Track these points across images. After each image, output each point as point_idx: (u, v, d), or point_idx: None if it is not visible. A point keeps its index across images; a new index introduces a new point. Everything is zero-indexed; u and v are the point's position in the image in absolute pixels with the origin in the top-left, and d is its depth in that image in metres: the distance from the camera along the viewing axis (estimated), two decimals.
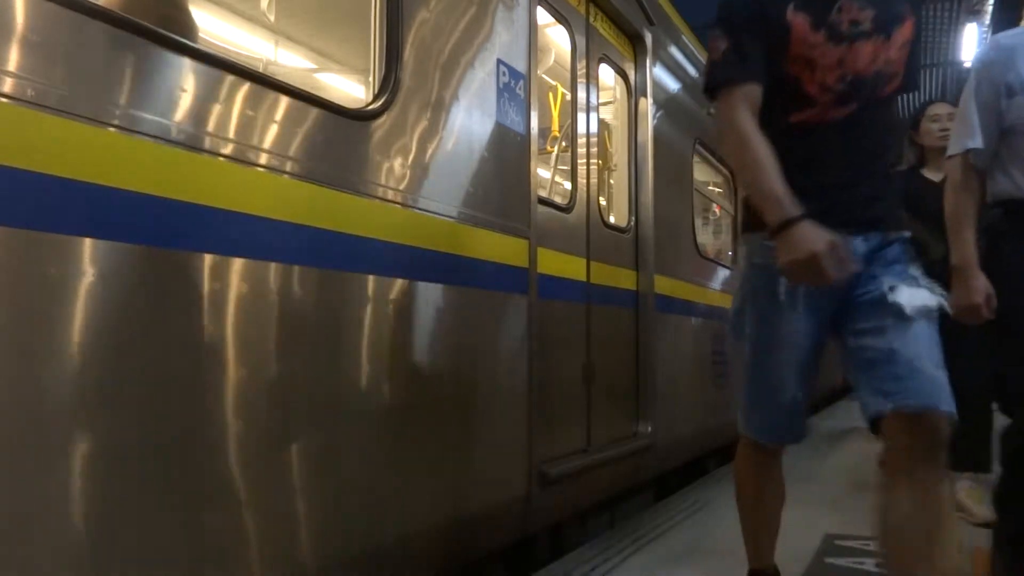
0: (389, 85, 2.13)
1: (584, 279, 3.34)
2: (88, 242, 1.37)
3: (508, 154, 2.70)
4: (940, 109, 3.69)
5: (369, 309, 2.05)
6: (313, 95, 1.92)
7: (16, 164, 1.27)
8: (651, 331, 3.89)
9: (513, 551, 2.88)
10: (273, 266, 1.76)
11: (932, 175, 3.58)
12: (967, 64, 12.16)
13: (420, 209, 2.23)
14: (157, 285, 1.51)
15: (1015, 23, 9.90)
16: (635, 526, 3.53)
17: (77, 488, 1.36)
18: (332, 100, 2.00)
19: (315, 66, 3.14)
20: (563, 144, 3.57)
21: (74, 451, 1.36)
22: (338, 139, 1.96)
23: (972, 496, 3.43)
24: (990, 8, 10.44)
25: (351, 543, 1.96)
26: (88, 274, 1.38)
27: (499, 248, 2.61)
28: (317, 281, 1.88)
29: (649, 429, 3.83)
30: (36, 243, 1.30)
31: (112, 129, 1.42)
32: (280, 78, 1.96)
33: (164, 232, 1.51)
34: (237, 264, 1.67)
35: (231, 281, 1.66)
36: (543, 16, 3.06)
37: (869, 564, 2.97)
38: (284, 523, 1.78)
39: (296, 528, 1.81)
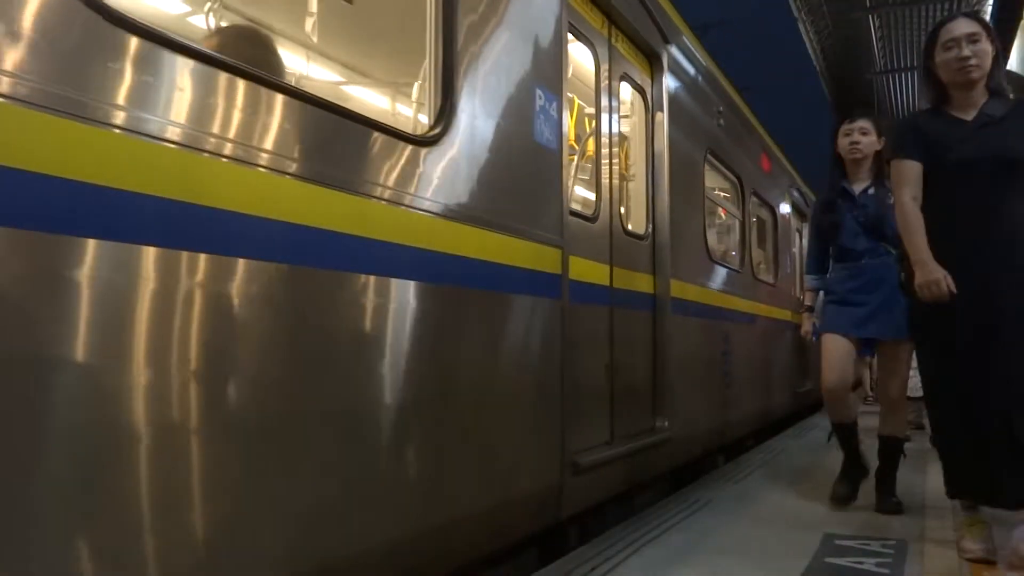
0: (444, 114, 2.47)
1: (607, 284, 3.69)
2: (241, 261, 1.72)
3: (543, 170, 3.05)
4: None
5: (432, 315, 2.39)
6: (389, 126, 2.27)
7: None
8: (667, 332, 4.26)
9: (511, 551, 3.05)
10: (360, 278, 2.10)
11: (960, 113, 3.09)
12: None
13: (470, 223, 2.56)
14: (296, 296, 1.87)
15: (1015, 23, 10.12)
16: (635, 526, 3.60)
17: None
18: (401, 128, 2.35)
19: (383, 97, 3.49)
20: (585, 155, 3.91)
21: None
22: (405, 162, 2.30)
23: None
24: (989, 8, 10.48)
25: (420, 521, 2.30)
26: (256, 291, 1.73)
27: (536, 257, 2.96)
28: (391, 290, 2.22)
29: (666, 424, 4.19)
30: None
31: (262, 169, 1.78)
32: (355, 108, 2.30)
33: (293, 252, 1.87)
34: (338, 278, 2.02)
35: (338, 293, 2.02)
36: (572, 42, 3.41)
37: (869, 564, 3.02)
38: (375, 501, 2.12)
39: (383, 506, 2.16)
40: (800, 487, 4.48)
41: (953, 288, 2.85)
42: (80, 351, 1.44)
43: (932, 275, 2.89)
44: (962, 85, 3.02)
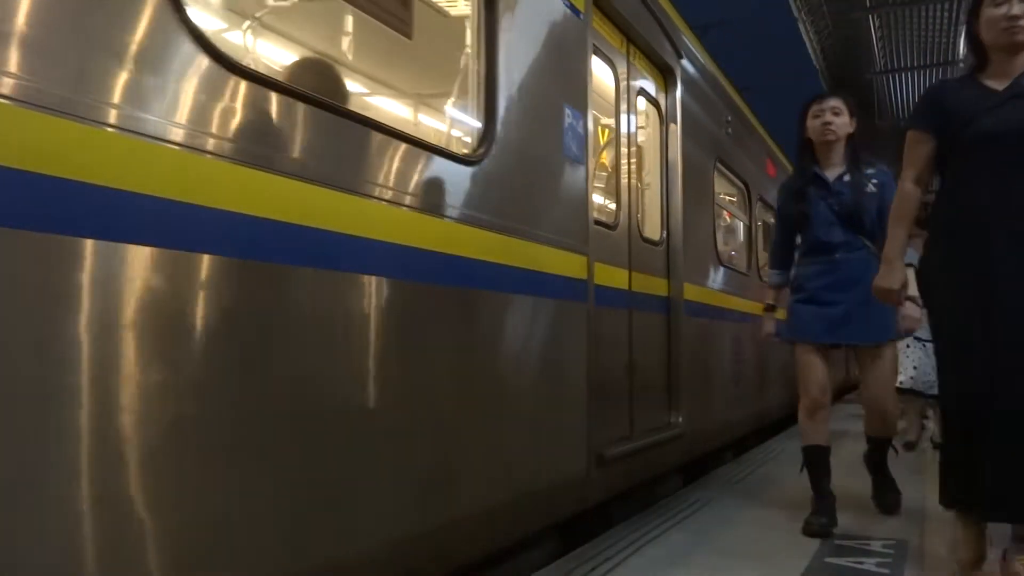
0: (487, 137, 2.75)
1: (627, 288, 3.98)
2: (326, 272, 2.00)
3: (572, 182, 3.33)
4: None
5: (485, 319, 2.69)
6: (443, 148, 2.55)
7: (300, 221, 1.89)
8: (680, 333, 4.54)
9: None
10: (415, 286, 2.38)
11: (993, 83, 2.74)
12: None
13: (509, 234, 2.84)
14: (405, 307, 2.24)
15: None
16: (635, 526, 3.62)
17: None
18: (451, 150, 2.64)
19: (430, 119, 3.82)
20: (605, 167, 4.21)
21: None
22: (453, 180, 2.58)
23: None
24: None
25: (471, 505, 2.59)
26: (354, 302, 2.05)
27: (565, 264, 3.24)
28: (443, 297, 2.50)
29: (680, 420, 4.48)
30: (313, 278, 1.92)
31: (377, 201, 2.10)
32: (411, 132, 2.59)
33: (402, 269, 2.24)
34: (425, 289, 2.35)
35: (425, 303, 2.37)
36: (595, 61, 3.69)
37: (869, 564, 3.03)
38: (464, 481, 2.48)
39: (468, 486, 2.53)
40: (800, 487, 4.25)
41: (902, 301, 2.90)
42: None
43: (889, 281, 2.81)
44: (1005, 48, 2.63)
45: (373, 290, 2.20)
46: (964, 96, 2.71)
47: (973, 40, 2.77)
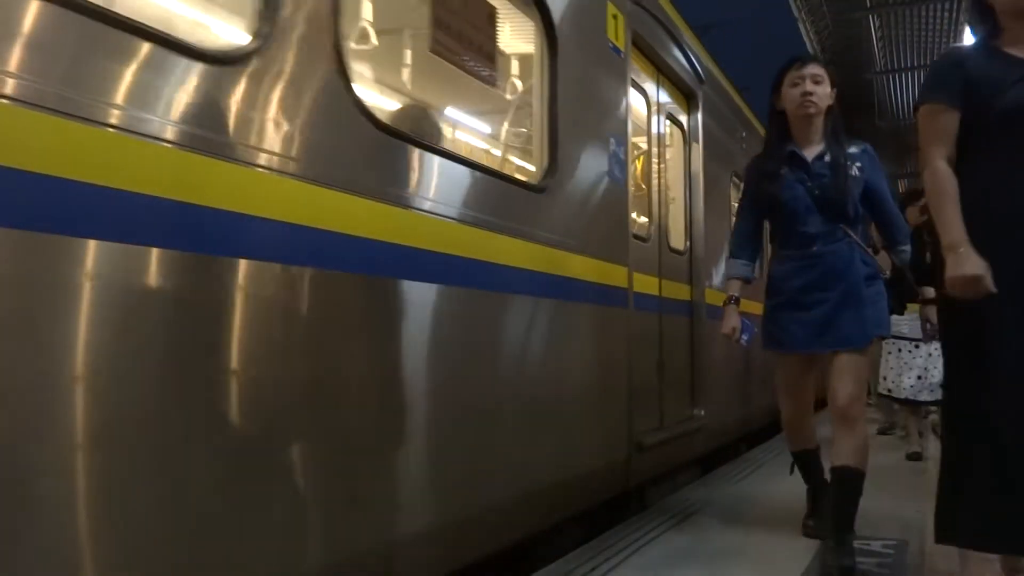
0: (550, 167, 3.29)
1: (658, 294, 4.51)
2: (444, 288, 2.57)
3: (615, 202, 3.89)
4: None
5: (552, 324, 3.25)
6: (515, 178, 3.11)
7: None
8: (702, 334, 5.12)
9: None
10: (502, 296, 2.93)
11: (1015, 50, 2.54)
12: None
13: (566, 250, 3.38)
14: (497, 314, 2.76)
15: None
16: (635, 526, 3.68)
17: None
18: (521, 179, 3.19)
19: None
20: (640, 184, 4.76)
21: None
22: (525, 206, 3.13)
23: None
24: None
25: (531, 483, 3.14)
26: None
27: (612, 274, 3.80)
28: (528, 306, 3.08)
29: (702, 413, 5.05)
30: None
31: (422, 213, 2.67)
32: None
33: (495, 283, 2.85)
34: (508, 299, 2.91)
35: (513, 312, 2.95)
36: (632, 92, 4.23)
37: (869, 564, 3.04)
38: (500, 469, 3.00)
39: (506, 474, 3.02)
40: (800, 487, 4.09)
41: (992, 287, 2.29)
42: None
43: (969, 269, 2.30)
44: (1020, 13, 2.42)
45: (492, 304, 2.89)
46: (985, 65, 2.44)
47: (979, 5, 2.56)
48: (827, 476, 3.30)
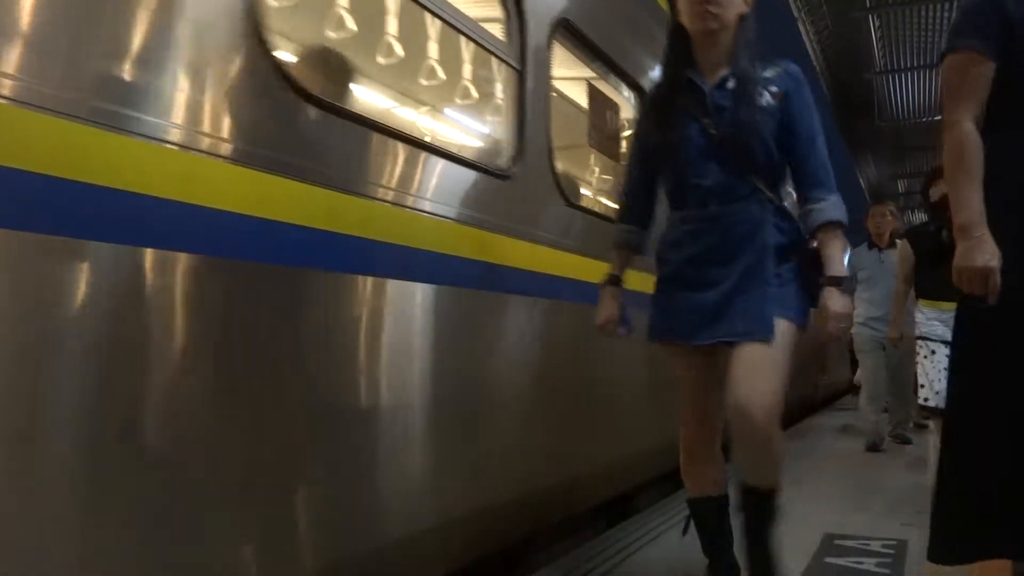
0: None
1: None
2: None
3: None
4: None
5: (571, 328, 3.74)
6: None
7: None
8: None
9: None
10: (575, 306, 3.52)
11: None
12: None
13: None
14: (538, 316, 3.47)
15: None
16: (635, 525, 3.77)
17: None
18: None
19: None
20: None
21: None
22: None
23: None
24: None
25: (593, 463, 3.64)
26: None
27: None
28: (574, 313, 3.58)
29: None
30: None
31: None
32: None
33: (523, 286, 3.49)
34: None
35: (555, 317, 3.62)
36: None
37: (869, 564, 3.13)
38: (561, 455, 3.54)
39: (565, 458, 3.56)
40: (800, 487, 4.63)
41: (997, 284, 2.01)
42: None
43: (977, 259, 2.02)
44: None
45: (564, 313, 3.61)
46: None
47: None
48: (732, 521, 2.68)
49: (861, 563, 3.10)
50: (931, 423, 5.07)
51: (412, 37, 3.67)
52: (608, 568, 3.05)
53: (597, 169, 5.08)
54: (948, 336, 3.92)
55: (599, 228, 3.77)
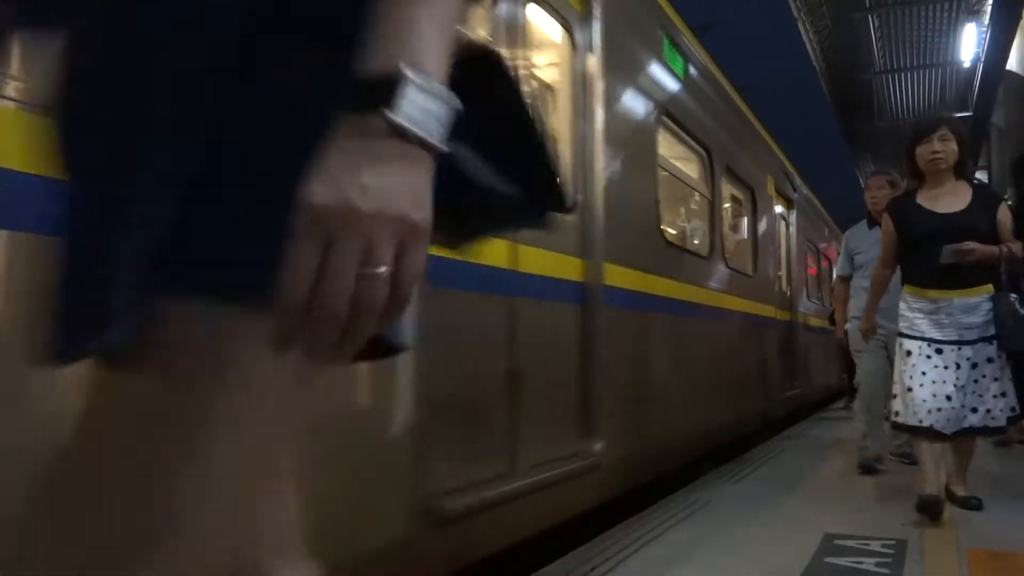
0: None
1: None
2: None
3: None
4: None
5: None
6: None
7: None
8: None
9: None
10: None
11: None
12: (966, 64, 13.08)
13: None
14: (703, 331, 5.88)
15: (1014, 22, 10.67)
16: (635, 525, 3.77)
17: None
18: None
19: None
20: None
21: None
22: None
23: None
24: (989, 8, 11.07)
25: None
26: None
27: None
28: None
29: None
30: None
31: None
32: None
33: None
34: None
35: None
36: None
37: (869, 564, 3.14)
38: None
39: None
40: (800, 487, 4.76)
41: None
42: None
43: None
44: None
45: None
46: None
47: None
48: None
49: (861, 563, 3.15)
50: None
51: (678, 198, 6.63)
52: (608, 568, 3.12)
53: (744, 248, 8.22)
54: (932, 333, 3.89)
55: (737, 279, 7.12)
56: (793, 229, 10.28)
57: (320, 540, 0.95)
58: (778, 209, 9.34)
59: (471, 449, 3.00)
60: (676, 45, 5.46)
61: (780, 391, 8.63)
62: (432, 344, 2.62)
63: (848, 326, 5.81)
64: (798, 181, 10.61)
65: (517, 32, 3.42)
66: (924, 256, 3.91)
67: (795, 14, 11.81)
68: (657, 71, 5.21)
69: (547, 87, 4.02)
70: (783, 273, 9.52)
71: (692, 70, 5.88)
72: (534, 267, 3.49)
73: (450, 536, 2.76)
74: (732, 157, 7.05)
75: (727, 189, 7.11)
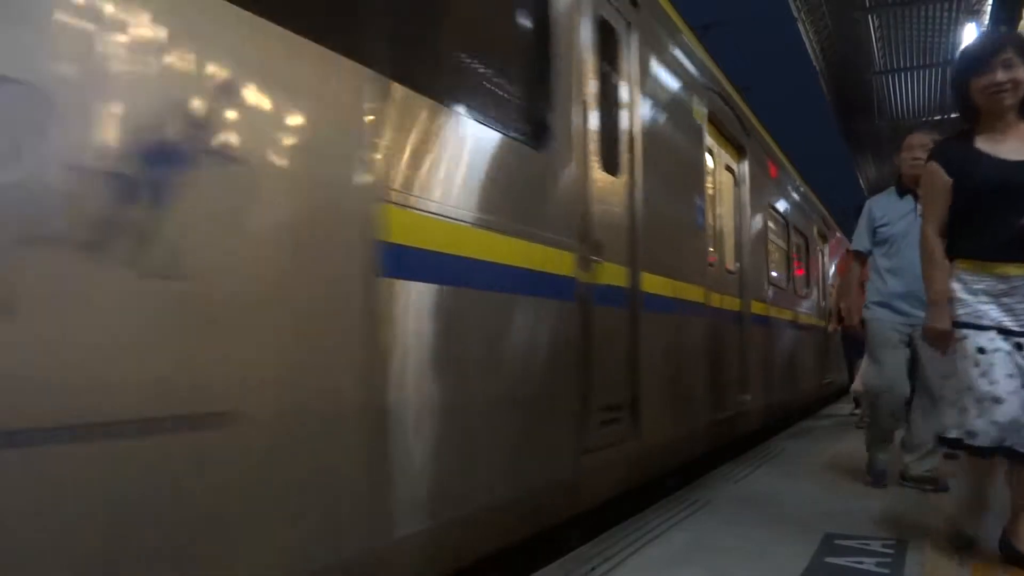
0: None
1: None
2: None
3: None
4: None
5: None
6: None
7: None
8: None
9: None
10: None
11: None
12: None
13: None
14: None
15: (1014, 22, 10.40)
16: (635, 525, 3.80)
17: None
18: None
19: None
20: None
21: None
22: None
23: None
24: (989, 7, 11.11)
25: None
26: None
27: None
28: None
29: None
30: None
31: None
32: None
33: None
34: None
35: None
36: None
37: (869, 564, 3.14)
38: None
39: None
40: (800, 487, 4.77)
41: None
42: None
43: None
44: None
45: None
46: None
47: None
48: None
49: (861, 563, 3.15)
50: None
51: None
52: (608, 568, 3.14)
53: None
54: (1006, 322, 3.04)
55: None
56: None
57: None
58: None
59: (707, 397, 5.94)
60: (781, 168, 9.83)
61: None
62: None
63: (867, 314, 4.79)
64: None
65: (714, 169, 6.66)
66: (987, 218, 3.04)
67: (795, 14, 11.94)
68: (771, 186, 9.06)
69: (720, 197, 6.84)
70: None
71: (783, 178, 9.96)
72: (727, 305, 6.67)
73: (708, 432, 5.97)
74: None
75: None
